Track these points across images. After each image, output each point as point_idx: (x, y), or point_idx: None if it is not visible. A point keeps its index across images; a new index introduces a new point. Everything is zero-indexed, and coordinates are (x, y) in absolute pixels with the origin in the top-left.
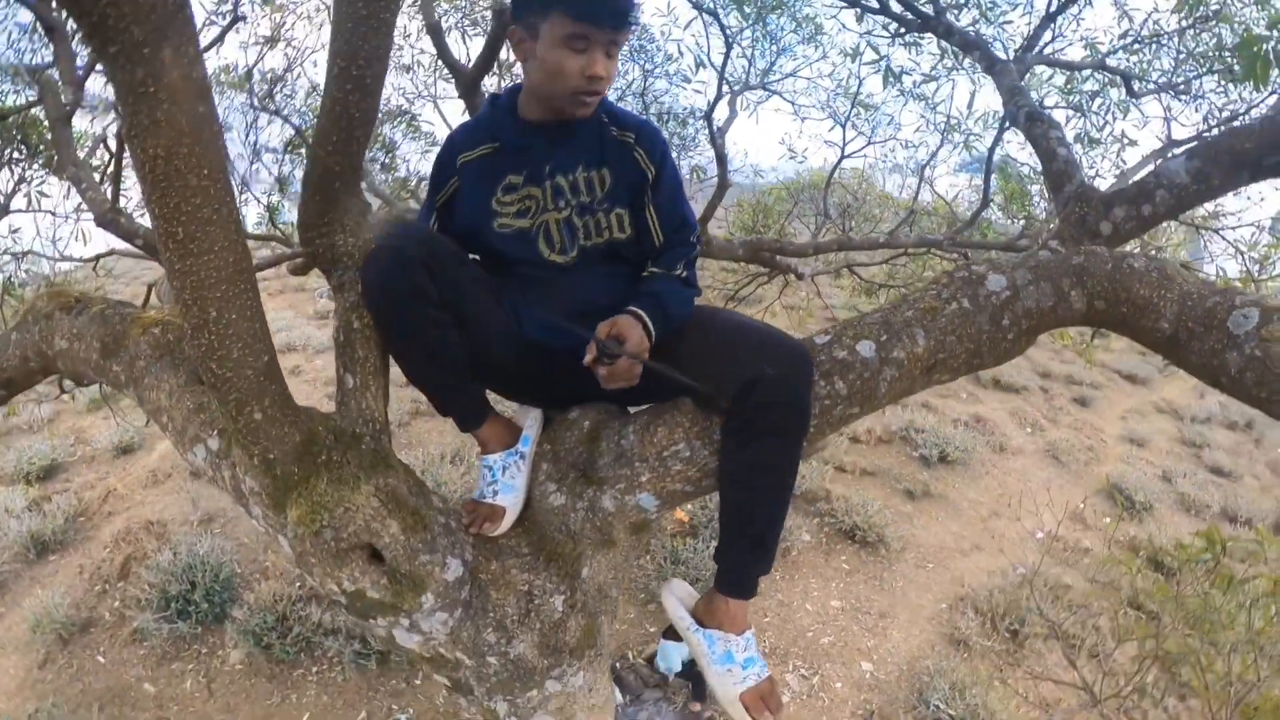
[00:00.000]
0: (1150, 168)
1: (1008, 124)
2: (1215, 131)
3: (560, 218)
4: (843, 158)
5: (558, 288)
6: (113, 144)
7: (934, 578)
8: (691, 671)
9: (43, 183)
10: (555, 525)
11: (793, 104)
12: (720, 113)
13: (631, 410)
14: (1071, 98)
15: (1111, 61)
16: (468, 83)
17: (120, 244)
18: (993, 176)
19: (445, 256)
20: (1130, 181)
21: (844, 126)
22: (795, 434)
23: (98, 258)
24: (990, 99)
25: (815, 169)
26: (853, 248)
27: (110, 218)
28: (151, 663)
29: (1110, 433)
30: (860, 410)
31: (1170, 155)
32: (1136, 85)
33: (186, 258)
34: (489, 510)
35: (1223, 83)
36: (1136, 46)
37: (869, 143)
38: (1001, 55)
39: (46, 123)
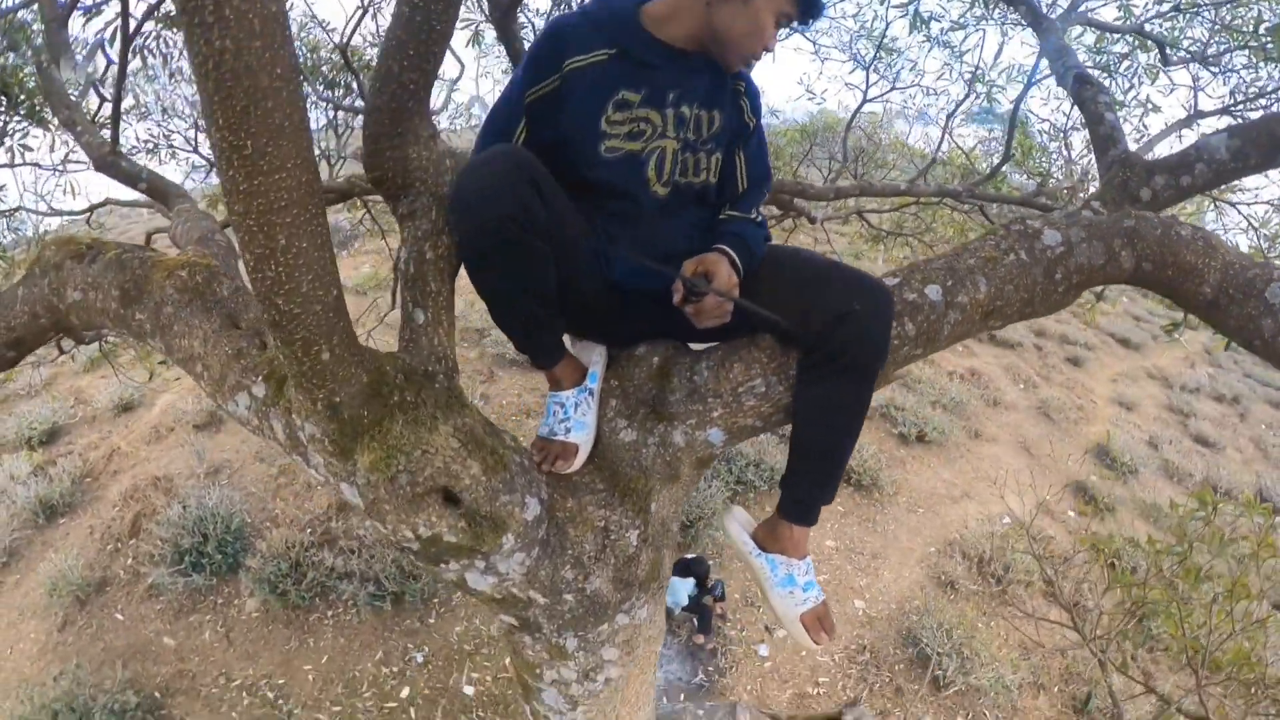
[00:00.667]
0: (1175, 136)
1: (1053, 85)
2: (1240, 106)
3: (675, 147)
4: (865, 101)
5: (645, 229)
6: (114, 56)
7: (924, 522)
8: (697, 605)
9: (25, 135)
10: (627, 461)
11: (814, 44)
12: None
13: (696, 348)
14: (1100, 58)
15: (1149, 27)
16: (505, 6)
17: (118, 192)
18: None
19: (548, 178)
20: (1161, 152)
21: (867, 70)
22: (872, 371)
23: (91, 208)
24: (1015, 52)
25: (830, 112)
26: (873, 194)
27: (110, 160)
28: (169, 616)
29: (1100, 394)
30: (924, 351)
31: (1213, 131)
32: (1169, 53)
33: (254, 176)
34: (561, 447)
35: (1254, 59)
36: (1173, 14)
37: (892, 87)
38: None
39: (29, 68)
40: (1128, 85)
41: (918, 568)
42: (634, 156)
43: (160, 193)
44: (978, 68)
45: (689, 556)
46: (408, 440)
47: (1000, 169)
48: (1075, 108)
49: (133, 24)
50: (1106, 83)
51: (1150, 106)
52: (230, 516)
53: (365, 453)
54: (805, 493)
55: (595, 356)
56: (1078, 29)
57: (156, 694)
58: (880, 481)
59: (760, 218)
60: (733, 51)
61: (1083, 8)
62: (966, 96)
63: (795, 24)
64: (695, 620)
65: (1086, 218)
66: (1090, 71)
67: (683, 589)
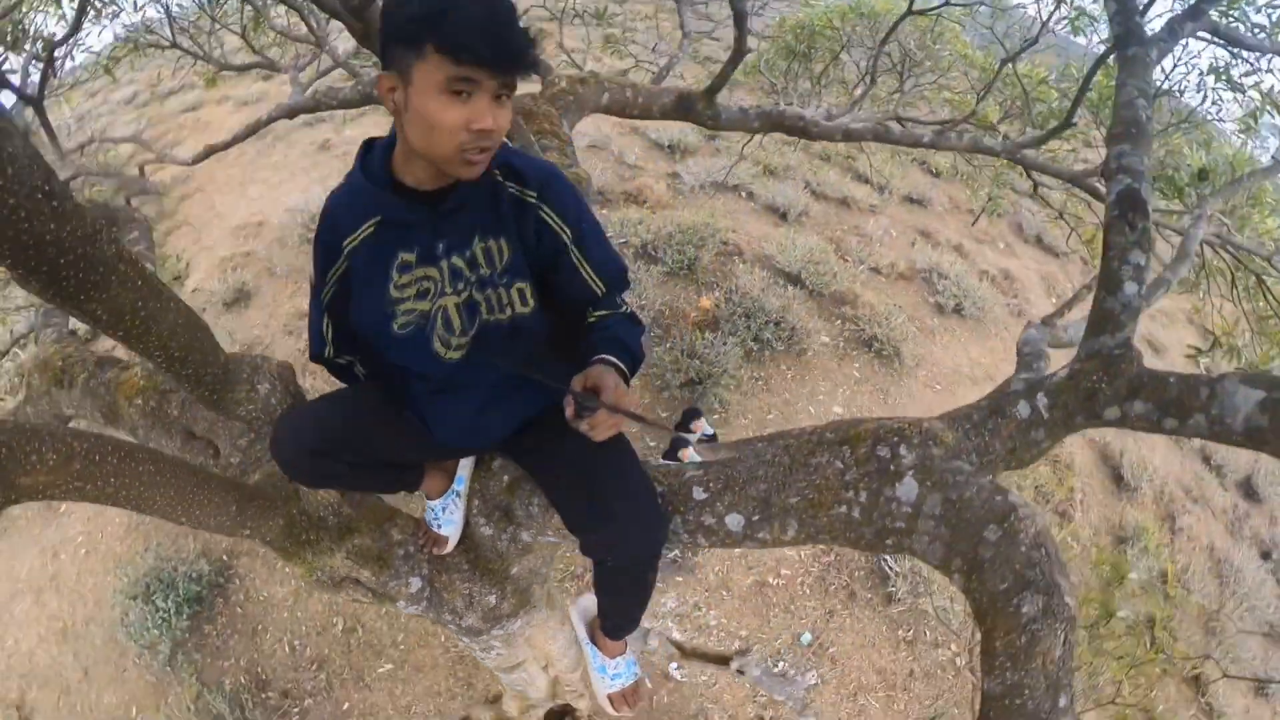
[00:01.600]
0: None
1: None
2: None
3: (459, 301)
4: (910, 11)
5: (455, 393)
6: None
7: (939, 401)
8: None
9: None
10: (487, 547)
11: None
12: None
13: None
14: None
15: None
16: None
17: None
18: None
19: (336, 421)
20: None
21: None
22: (646, 577)
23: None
24: None
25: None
26: (891, 141)
27: None
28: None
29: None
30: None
31: (1240, 374)
32: None
33: None
34: (435, 537)
35: None
36: None
37: (945, 3)
38: None
39: None
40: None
41: None
42: (422, 329)
43: (109, 217)
44: None
45: (690, 409)
46: (318, 564)
47: (1059, 133)
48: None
49: None
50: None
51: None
52: None
53: (297, 565)
54: (611, 625)
55: (464, 463)
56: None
57: (224, 557)
58: (902, 353)
59: (630, 310)
60: (442, 160)
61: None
62: (1049, 20)
63: (501, 80)
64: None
65: (963, 477)
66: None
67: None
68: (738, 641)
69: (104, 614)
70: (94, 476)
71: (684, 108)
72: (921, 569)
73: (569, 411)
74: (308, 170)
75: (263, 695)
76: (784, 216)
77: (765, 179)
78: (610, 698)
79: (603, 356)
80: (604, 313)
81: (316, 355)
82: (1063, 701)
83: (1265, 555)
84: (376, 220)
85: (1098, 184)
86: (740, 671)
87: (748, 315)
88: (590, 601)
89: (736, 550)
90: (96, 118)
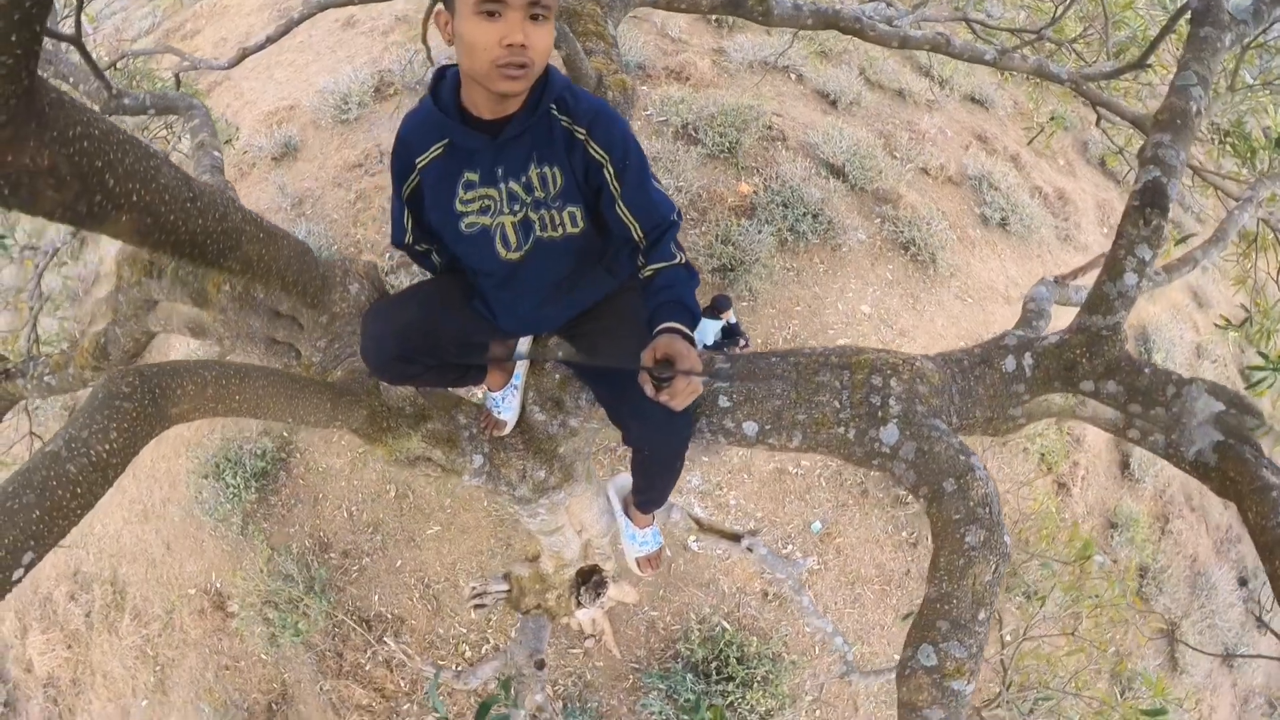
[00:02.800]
0: None
1: None
2: None
3: (515, 220)
4: None
5: (510, 291)
6: None
7: (967, 314)
8: (717, 348)
9: None
10: (539, 430)
11: None
12: None
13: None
14: None
15: None
16: None
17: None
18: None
19: (413, 327)
20: None
21: None
22: (675, 464)
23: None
24: None
25: None
26: (950, 54)
27: (114, 105)
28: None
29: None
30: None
31: (1205, 385)
32: None
33: None
34: (495, 422)
35: None
36: None
37: None
38: None
39: None
40: None
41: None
42: (485, 231)
43: (169, 107)
44: None
45: (720, 295)
46: (397, 447)
47: (1127, 72)
48: None
49: None
50: None
51: None
52: (319, 249)
53: (381, 448)
54: (643, 501)
55: (520, 365)
56: None
57: (284, 434)
58: (938, 261)
59: (683, 256)
60: (483, 77)
61: None
62: None
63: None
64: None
65: (937, 434)
66: None
67: (710, 330)
68: (752, 522)
69: (179, 494)
70: (223, 398)
71: (734, 2)
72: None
73: (648, 389)
74: (333, 49)
75: (326, 556)
76: (834, 104)
77: (818, 61)
78: (638, 561)
79: (667, 326)
80: (659, 265)
81: (398, 241)
82: (981, 615)
83: (1243, 582)
84: (445, 143)
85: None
86: (749, 549)
87: (785, 204)
88: (625, 480)
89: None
90: (110, 15)
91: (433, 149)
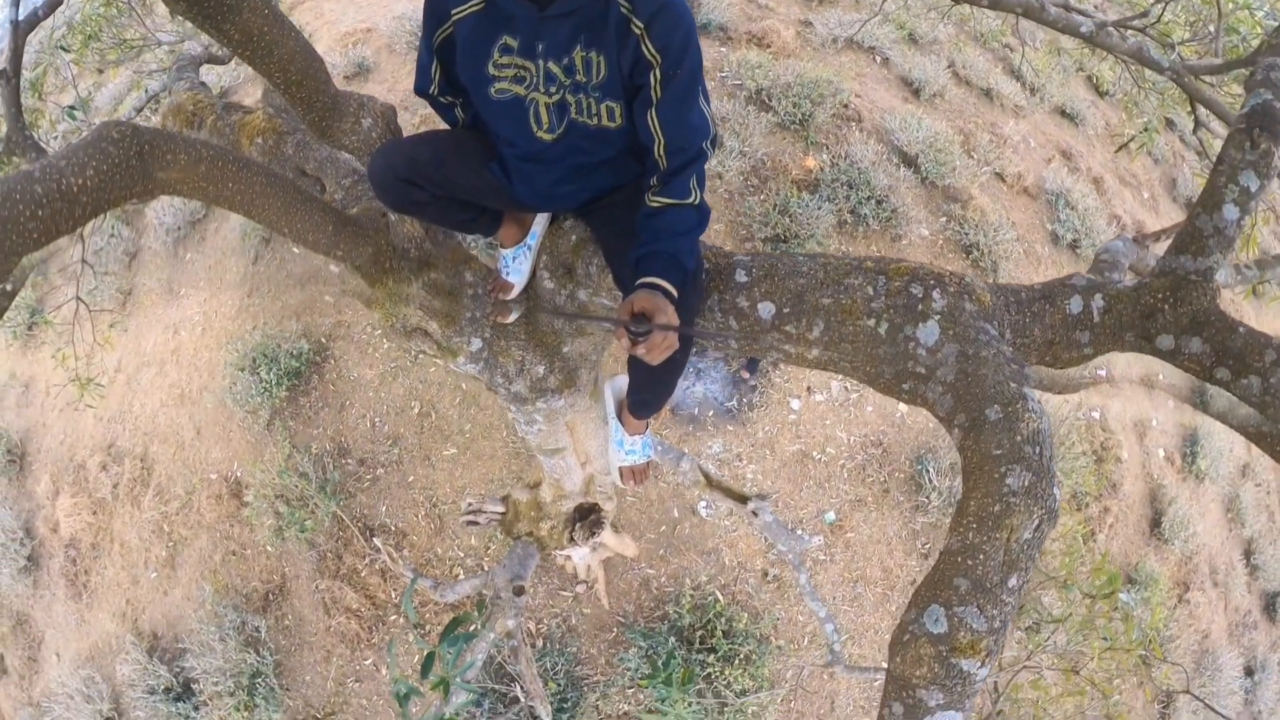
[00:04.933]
0: None
1: None
2: None
3: (550, 101)
4: None
5: (540, 162)
6: None
7: None
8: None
9: None
10: (546, 300)
11: None
12: None
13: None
14: None
15: None
16: None
17: None
18: None
19: (426, 162)
20: None
21: None
22: (676, 358)
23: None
24: None
25: None
26: (1044, 22)
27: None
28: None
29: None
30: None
31: None
32: None
33: None
34: (502, 283)
35: None
36: None
37: None
38: None
39: None
40: None
41: None
42: (519, 101)
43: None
44: None
45: None
46: (398, 291)
47: (1237, 68)
48: None
49: None
50: None
51: None
52: None
53: (377, 309)
54: (637, 402)
55: (539, 218)
56: None
57: (322, 339)
58: (999, 271)
59: (699, 196)
60: None
61: None
62: None
63: None
64: (748, 361)
65: (985, 340)
66: None
67: None
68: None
69: (216, 383)
70: (216, 179)
71: None
72: (957, 491)
73: (624, 342)
74: None
75: (343, 461)
76: (916, 92)
77: (905, 47)
78: (621, 470)
79: (648, 280)
80: (669, 201)
81: (421, 90)
82: (1013, 581)
83: (1249, 672)
84: (485, 1)
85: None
86: (755, 513)
87: (850, 185)
88: (624, 381)
89: (791, 417)
90: None
91: (472, 2)
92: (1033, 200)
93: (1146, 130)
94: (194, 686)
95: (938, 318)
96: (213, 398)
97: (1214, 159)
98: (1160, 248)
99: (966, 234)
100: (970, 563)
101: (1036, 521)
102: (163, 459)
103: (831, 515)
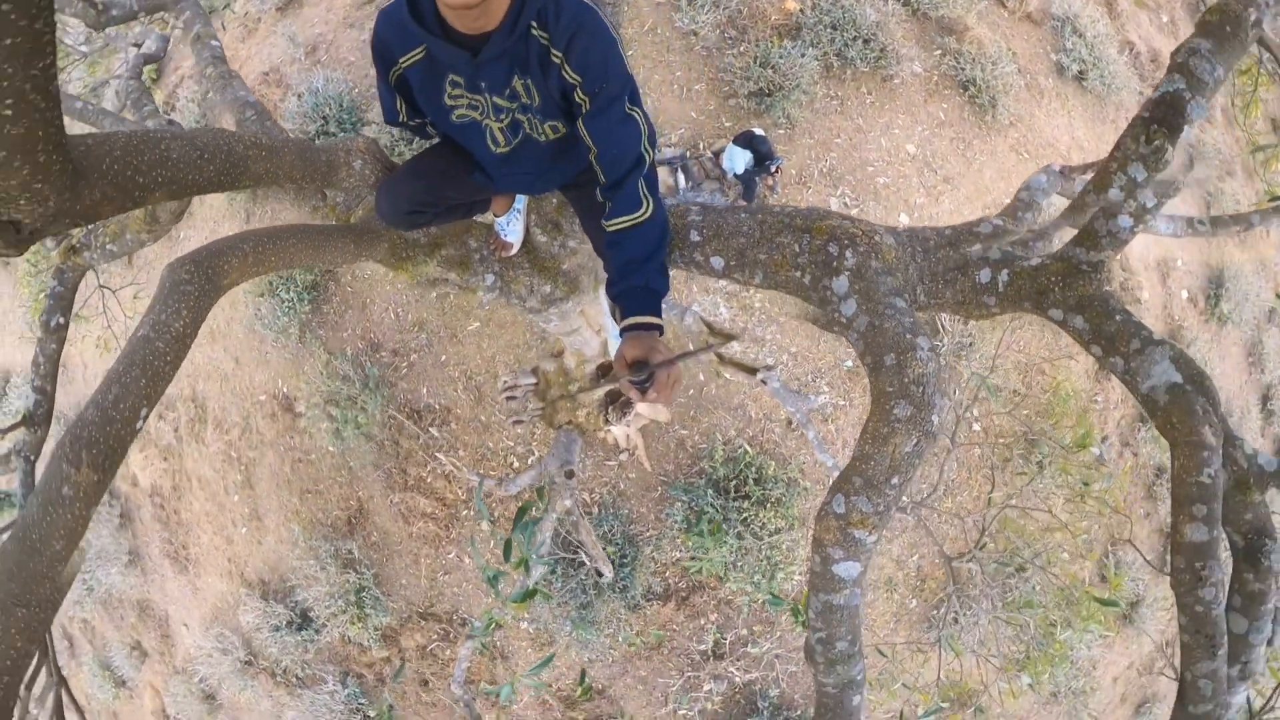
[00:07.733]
0: None
1: None
2: None
3: (502, 125)
4: None
5: (511, 165)
6: None
7: (1020, 170)
8: (747, 175)
9: None
10: (542, 251)
11: None
12: None
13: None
14: None
15: None
16: None
17: None
18: None
19: (423, 191)
20: None
21: None
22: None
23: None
24: None
25: None
26: None
27: (103, 19)
28: None
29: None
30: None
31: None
32: None
33: None
34: (502, 243)
35: None
36: None
37: None
38: None
39: None
40: None
41: (980, 212)
42: (476, 124)
43: (158, 5)
44: None
45: (757, 133)
46: (418, 272)
47: None
48: None
49: None
50: None
51: None
52: (340, 96)
53: (403, 273)
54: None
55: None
56: None
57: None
58: (998, 106)
59: (652, 205)
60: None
61: None
62: None
63: None
64: (742, 188)
65: (898, 310)
66: None
67: (740, 159)
68: (786, 356)
69: (240, 313)
70: (262, 260)
71: None
72: (960, 338)
73: (635, 396)
74: None
75: (377, 355)
76: None
77: None
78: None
79: (632, 322)
80: (623, 222)
81: (391, 121)
82: (895, 480)
83: None
84: (424, 49)
85: None
86: (764, 382)
87: (835, 26)
88: None
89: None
90: None
91: (414, 52)
92: (1036, 27)
93: None
94: (310, 614)
95: (848, 274)
96: (241, 327)
97: None
98: (1085, 178)
99: (963, 69)
100: (864, 466)
101: (915, 440)
102: (212, 394)
103: (850, 363)
